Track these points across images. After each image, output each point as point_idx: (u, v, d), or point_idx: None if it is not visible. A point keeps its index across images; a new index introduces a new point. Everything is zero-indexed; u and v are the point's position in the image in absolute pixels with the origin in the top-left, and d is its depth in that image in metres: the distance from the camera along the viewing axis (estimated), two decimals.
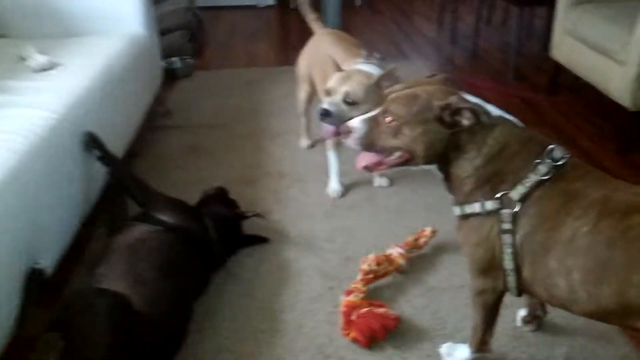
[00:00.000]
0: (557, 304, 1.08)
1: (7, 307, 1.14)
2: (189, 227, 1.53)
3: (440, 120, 1.09)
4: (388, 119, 1.13)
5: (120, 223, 1.51)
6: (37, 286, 1.21)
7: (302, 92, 2.32)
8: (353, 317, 1.41)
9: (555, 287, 1.04)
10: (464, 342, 1.35)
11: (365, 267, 1.56)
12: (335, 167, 2.09)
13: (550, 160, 1.06)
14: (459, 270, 1.67)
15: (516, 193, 1.06)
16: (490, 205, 1.08)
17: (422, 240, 1.72)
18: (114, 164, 1.65)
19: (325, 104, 1.69)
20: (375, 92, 1.67)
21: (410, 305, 1.54)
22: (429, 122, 1.10)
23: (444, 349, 1.37)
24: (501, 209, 1.07)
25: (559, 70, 2.97)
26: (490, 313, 1.24)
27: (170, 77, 3.22)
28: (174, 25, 3.53)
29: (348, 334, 1.41)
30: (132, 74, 2.13)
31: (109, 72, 1.91)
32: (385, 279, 1.61)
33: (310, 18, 2.30)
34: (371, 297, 1.51)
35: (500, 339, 1.37)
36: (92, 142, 1.59)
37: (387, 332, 1.40)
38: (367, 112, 1.22)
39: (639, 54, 2.18)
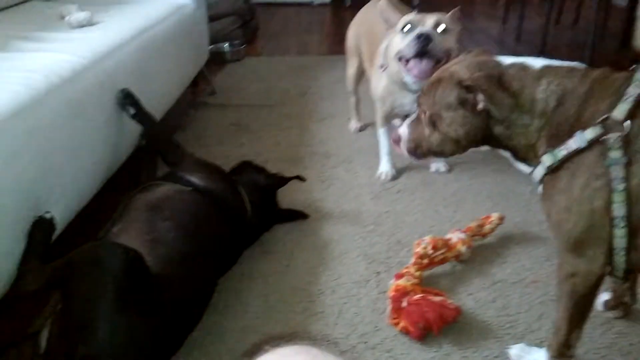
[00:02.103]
0: None
1: (7, 251, 0.99)
2: (221, 192, 1.36)
3: (463, 101, 0.96)
4: (422, 114, 1.03)
5: (146, 183, 1.35)
6: (43, 237, 1.06)
7: (351, 68, 2.13)
8: (403, 303, 1.18)
9: None
10: (538, 344, 1.11)
11: (419, 250, 1.33)
12: (387, 148, 1.87)
13: None
14: (532, 264, 1.42)
15: (619, 112, 0.84)
16: (590, 133, 0.86)
17: (487, 227, 1.47)
18: (150, 121, 1.50)
19: (423, 29, 1.52)
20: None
21: (473, 298, 1.30)
22: (454, 107, 0.97)
23: (515, 350, 1.12)
24: (604, 136, 0.85)
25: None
26: (579, 307, 0.98)
27: (219, 60, 3.15)
28: (225, 12, 3.46)
29: (397, 324, 1.18)
30: (174, 42, 2.01)
31: (149, 33, 1.78)
32: (442, 267, 1.37)
33: None
34: (426, 285, 1.28)
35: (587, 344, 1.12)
36: (127, 99, 1.45)
37: (445, 324, 1.16)
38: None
39: None
